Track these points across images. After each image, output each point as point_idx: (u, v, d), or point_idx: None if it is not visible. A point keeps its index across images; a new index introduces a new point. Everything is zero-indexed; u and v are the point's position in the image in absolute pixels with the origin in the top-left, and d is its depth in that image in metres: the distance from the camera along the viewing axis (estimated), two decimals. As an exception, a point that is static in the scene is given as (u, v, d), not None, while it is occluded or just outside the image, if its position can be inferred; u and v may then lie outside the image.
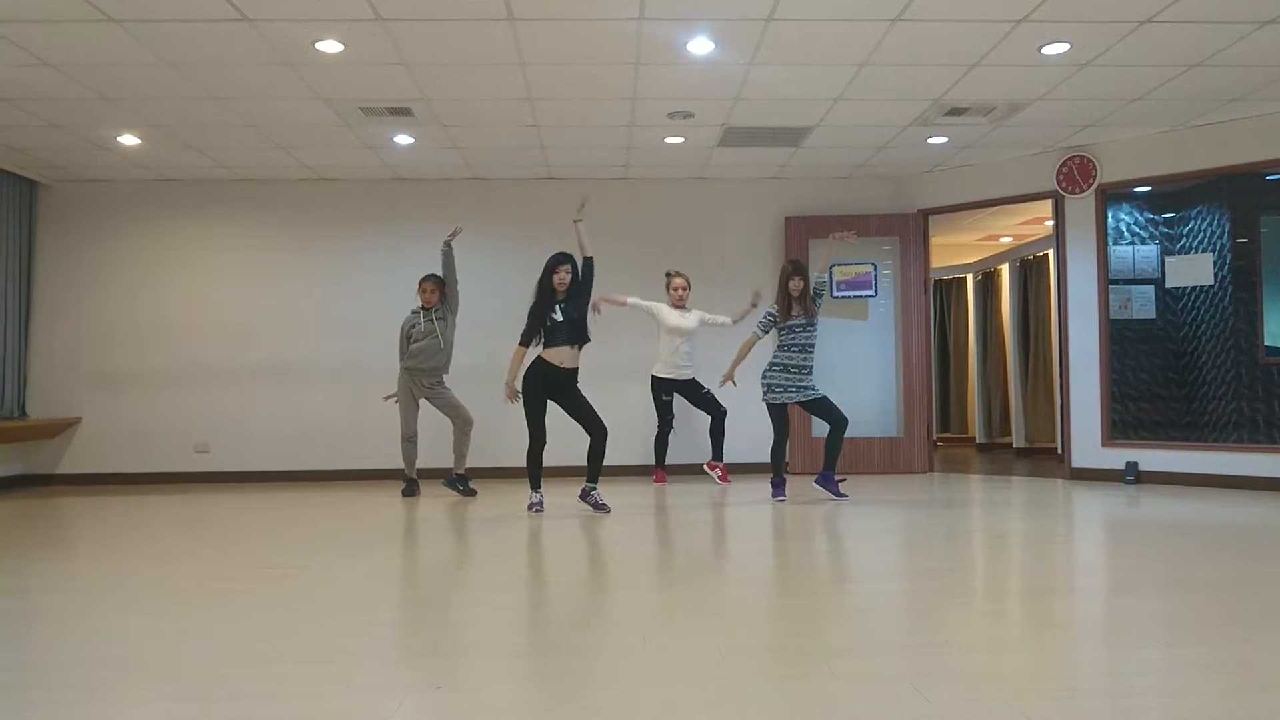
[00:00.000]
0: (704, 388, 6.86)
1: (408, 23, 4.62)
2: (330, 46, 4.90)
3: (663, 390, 6.87)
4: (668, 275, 6.96)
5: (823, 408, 5.95)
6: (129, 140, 6.59)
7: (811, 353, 5.95)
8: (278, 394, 7.76)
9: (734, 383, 6.18)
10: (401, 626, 3.00)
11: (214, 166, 7.35)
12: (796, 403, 5.96)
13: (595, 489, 5.58)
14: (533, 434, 5.51)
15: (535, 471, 5.62)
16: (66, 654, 2.71)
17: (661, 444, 7.03)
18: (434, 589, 3.58)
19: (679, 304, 6.85)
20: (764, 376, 5.99)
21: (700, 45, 4.96)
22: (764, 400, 6.00)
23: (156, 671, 2.53)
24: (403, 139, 6.65)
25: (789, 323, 5.92)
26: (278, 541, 4.69)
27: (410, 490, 6.55)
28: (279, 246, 7.84)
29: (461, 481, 6.49)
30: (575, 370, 5.50)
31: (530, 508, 5.58)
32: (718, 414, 6.90)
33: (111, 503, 6.41)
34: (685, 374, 6.83)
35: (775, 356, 5.97)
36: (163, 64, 5.12)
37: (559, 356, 5.41)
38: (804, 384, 5.91)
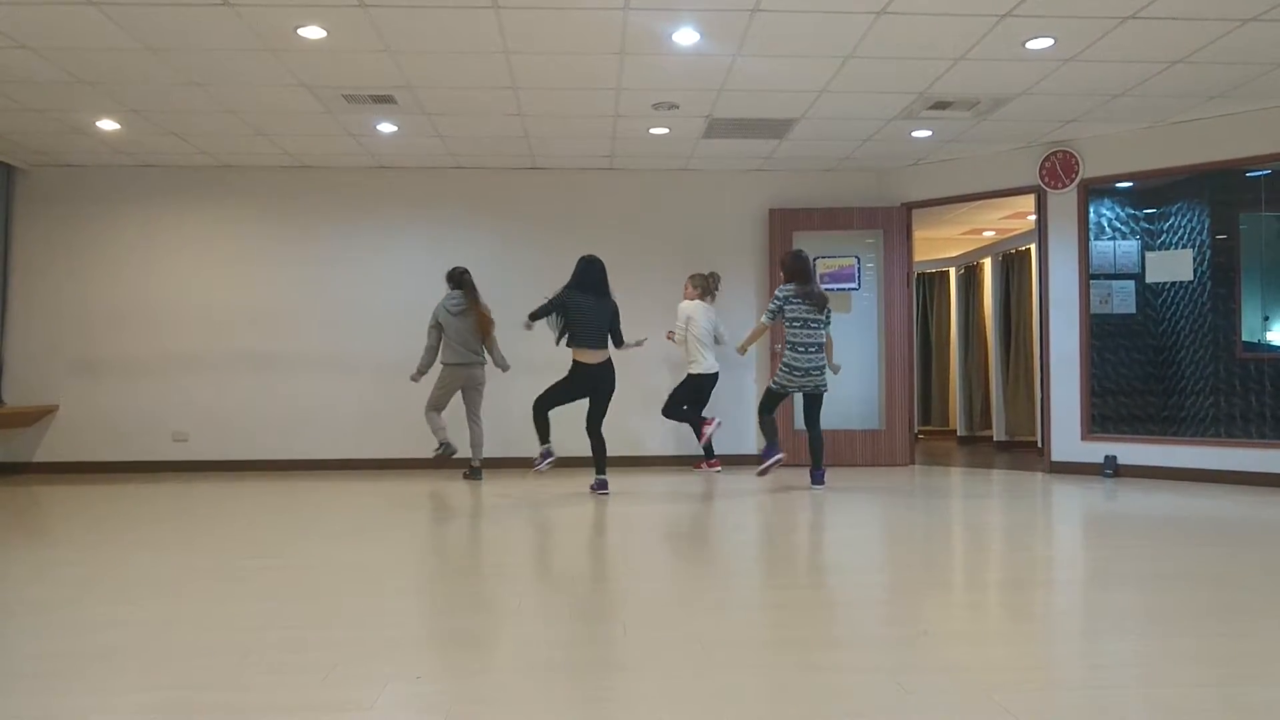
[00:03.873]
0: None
1: (391, 9, 4.58)
2: (313, 32, 4.85)
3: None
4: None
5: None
6: (108, 125, 6.51)
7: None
8: (257, 383, 7.70)
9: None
10: (382, 616, 2.99)
11: (194, 153, 7.28)
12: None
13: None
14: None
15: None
16: (48, 645, 2.69)
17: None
18: (414, 578, 3.57)
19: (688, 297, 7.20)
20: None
21: (686, 36, 4.95)
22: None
23: (139, 662, 2.52)
24: (386, 127, 6.60)
25: None
26: (257, 531, 4.66)
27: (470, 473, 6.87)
28: (259, 234, 7.78)
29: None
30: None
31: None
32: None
33: (88, 491, 6.36)
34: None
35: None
36: (143, 48, 5.06)
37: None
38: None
